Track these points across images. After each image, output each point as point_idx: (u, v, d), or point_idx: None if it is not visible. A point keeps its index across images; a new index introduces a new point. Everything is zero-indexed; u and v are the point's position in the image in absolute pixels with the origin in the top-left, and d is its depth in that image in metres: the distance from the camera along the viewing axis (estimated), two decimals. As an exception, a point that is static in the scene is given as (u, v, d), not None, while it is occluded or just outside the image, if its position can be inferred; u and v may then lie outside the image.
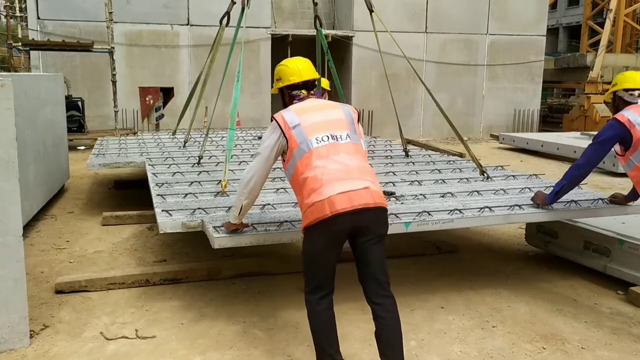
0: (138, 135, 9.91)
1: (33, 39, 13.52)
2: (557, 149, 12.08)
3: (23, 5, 19.93)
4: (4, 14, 15.02)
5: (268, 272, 4.71)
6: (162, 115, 12.79)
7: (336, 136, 3.01)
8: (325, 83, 10.10)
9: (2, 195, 3.31)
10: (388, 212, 3.11)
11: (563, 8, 40.89)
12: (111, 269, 4.87)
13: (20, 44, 13.25)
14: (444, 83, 16.91)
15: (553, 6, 32.71)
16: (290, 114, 3.07)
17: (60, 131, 7.94)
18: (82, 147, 12.56)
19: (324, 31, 17.14)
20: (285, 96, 3.29)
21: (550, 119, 21.00)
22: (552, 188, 4.61)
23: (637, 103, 3.96)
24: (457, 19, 16.72)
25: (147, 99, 12.48)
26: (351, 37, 15.90)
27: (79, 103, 13.37)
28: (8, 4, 13.60)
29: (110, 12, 12.67)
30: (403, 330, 3.07)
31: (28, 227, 5.90)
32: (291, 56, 16.08)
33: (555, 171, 10.63)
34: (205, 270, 4.70)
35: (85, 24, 14.19)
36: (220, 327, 3.79)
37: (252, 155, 3.25)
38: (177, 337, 3.65)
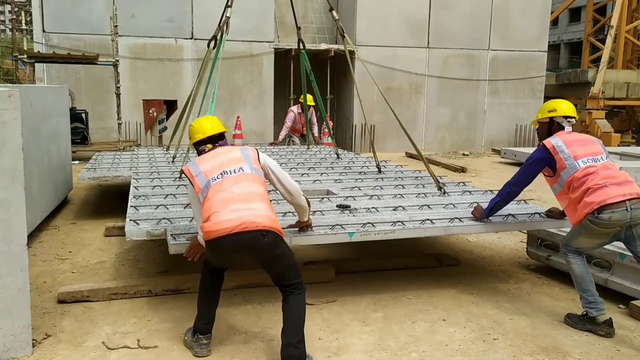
0: (133, 151, 10.03)
1: (38, 51, 13.63)
2: (559, 163, 12.09)
3: (28, 19, 20.14)
4: (10, 27, 15.15)
5: (269, 284, 4.70)
6: (165, 128, 12.86)
7: (227, 171, 3.47)
8: (309, 99, 10.51)
9: (7, 204, 3.34)
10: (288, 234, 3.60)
11: (564, 24, 41.16)
12: (113, 280, 4.89)
13: (25, 56, 13.34)
14: (446, 98, 17.01)
15: (554, 22, 32.90)
16: (193, 165, 3.59)
17: (65, 142, 8.00)
18: (77, 162, 11.54)
19: (326, 45, 17.21)
20: (197, 150, 3.84)
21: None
22: None
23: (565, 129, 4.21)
24: (459, 34, 16.84)
25: (150, 111, 12.55)
26: (354, 51, 16.03)
27: (83, 115, 13.44)
28: (14, 17, 13.66)
29: (116, 26, 12.77)
30: (404, 342, 3.06)
31: (31, 237, 5.92)
32: (293, 70, 16.06)
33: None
34: (207, 281, 4.70)
35: (90, 37, 14.33)
36: (221, 338, 3.79)
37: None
38: (178, 348, 3.66)
